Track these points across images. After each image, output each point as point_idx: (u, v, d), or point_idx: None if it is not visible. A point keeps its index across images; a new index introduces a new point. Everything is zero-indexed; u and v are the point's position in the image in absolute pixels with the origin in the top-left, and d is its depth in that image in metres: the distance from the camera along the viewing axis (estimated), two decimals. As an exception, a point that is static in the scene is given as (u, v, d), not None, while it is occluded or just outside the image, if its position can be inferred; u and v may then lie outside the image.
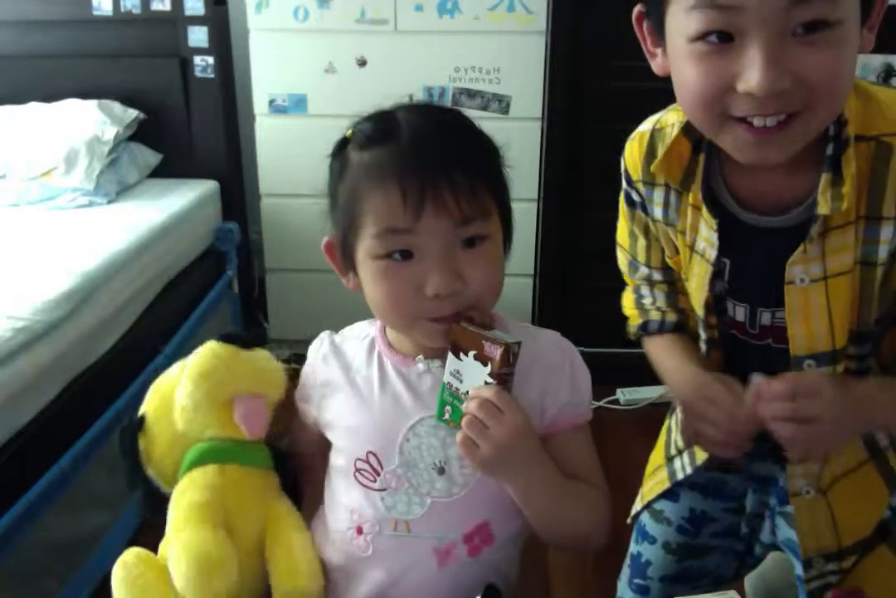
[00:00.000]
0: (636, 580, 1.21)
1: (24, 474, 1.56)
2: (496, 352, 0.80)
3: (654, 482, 1.17)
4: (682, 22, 0.78)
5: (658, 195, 1.01)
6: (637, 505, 1.19)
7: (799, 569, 1.05)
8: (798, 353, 0.94)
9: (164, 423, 0.95)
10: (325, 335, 1.00)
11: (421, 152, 0.81)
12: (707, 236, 0.96)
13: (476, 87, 2.54)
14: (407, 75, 2.53)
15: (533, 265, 2.72)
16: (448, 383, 0.84)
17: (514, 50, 2.51)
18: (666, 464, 1.15)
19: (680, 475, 1.12)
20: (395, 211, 0.80)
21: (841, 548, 1.02)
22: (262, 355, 0.96)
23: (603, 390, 2.62)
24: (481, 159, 0.86)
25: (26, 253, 2.05)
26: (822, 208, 0.86)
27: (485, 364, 0.81)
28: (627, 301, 1.18)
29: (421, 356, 0.89)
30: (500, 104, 2.56)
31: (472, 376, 0.82)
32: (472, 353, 0.82)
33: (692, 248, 0.99)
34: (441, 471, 0.88)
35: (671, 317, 1.12)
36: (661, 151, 0.97)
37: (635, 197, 1.05)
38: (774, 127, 0.79)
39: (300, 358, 1.01)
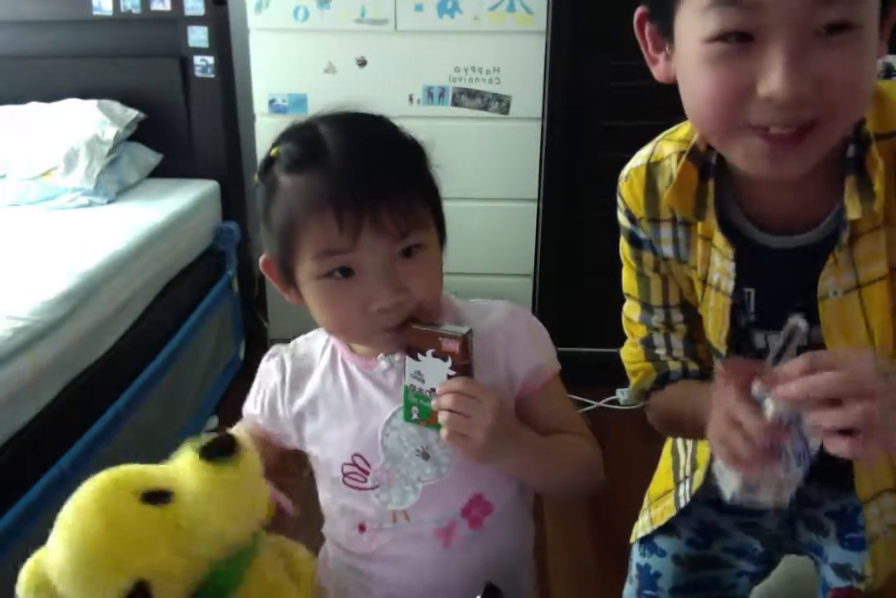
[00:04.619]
0: (646, 591, 1.17)
1: (24, 474, 1.55)
2: (455, 346, 0.82)
3: (663, 507, 1.13)
4: (697, 22, 0.73)
5: (665, 232, 0.97)
6: (646, 527, 1.14)
7: (827, 576, 1.00)
8: None
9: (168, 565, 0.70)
10: (281, 352, 0.96)
11: (353, 176, 0.79)
12: (721, 267, 0.91)
13: (476, 87, 2.54)
14: (407, 75, 2.53)
15: (532, 265, 2.72)
16: (410, 385, 0.86)
17: (514, 50, 2.50)
18: (674, 488, 1.11)
19: (682, 503, 1.08)
20: (332, 234, 0.79)
21: None
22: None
23: (603, 390, 2.61)
24: (413, 171, 0.85)
25: (26, 253, 2.05)
26: (852, 213, 0.81)
27: (444, 360, 0.83)
28: (632, 356, 1.07)
29: (381, 355, 0.90)
30: (500, 104, 2.56)
31: (434, 373, 0.84)
32: (429, 351, 0.83)
33: (705, 281, 0.95)
34: (426, 456, 0.90)
35: (693, 366, 1.03)
36: (662, 184, 0.93)
37: (641, 235, 0.99)
38: (791, 136, 0.73)
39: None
